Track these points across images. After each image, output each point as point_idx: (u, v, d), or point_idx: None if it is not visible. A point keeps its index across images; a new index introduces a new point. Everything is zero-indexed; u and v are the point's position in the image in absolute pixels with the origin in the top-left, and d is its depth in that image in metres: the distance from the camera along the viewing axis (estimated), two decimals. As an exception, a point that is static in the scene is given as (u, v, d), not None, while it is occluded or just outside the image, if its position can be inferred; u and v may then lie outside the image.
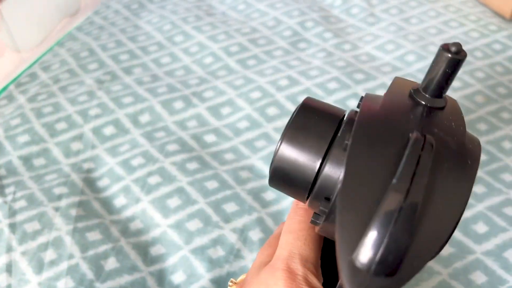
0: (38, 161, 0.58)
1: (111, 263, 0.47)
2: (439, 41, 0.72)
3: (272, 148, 0.58)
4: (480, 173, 0.54)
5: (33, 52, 0.77)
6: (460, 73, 0.66)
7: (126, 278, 0.46)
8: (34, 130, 0.61)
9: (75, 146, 0.60)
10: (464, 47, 0.70)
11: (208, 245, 0.49)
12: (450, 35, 0.73)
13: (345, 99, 0.64)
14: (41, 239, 0.49)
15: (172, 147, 0.58)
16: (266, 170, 0.56)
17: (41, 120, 0.63)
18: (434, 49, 0.70)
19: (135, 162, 0.57)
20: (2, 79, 0.72)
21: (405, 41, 0.72)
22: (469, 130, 0.59)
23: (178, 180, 0.54)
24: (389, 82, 0.66)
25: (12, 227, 0.50)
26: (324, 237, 0.31)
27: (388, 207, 0.21)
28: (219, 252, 0.48)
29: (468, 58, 0.68)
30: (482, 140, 0.58)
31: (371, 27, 0.76)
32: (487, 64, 0.68)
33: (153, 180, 0.54)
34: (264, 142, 0.59)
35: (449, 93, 0.62)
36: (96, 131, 0.61)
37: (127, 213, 0.53)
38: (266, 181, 0.54)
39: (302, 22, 0.77)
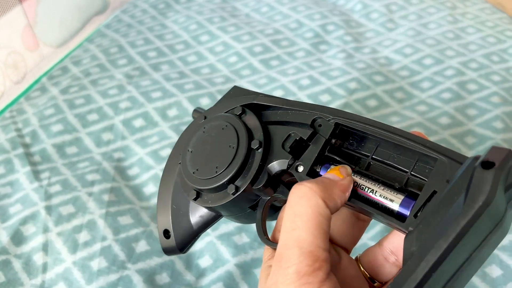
0: (71, 149, 0.61)
1: (142, 246, 0.50)
2: (456, 45, 0.74)
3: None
4: (495, 172, 0.56)
5: (63, 48, 0.81)
6: (476, 76, 0.68)
7: (156, 260, 0.49)
8: (67, 120, 0.64)
9: (106, 136, 0.63)
10: (481, 52, 0.72)
11: (233, 232, 0.51)
12: (468, 40, 0.75)
13: (364, 99, 0.66)
14: (76, 222, 0.51)
15: (198, 140, 0.61)
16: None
17: (73, 111, 0.66)
18: (452, 53, 0.72)
19: (164, 152, 0.59)
20: (35, 72, 0.75)
21: (422, 45, 0.74)
22: (485, 128, 0.61)
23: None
24: (407, 86, 0.68)
25: (48, 209, 0.52)
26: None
27: None
28: (244, 238, 0.51)
29: (485, 62, 0.70)
30: (498, 138, 0.60)
31: (390, 32, 0.78)
32: (503, 68, 0.70)
33: (181, 170, 0.57)
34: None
35: (464, 94, 0.64)
36: (126, 123, 0.64)
37: (156, 200, 0.55)
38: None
39: (324, 25, 0.80)
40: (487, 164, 0.24)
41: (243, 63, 0.73)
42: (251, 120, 0.34)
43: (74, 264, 0.48)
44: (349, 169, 0.31)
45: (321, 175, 0.31)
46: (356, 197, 0.30)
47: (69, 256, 0.49)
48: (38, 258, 0.49)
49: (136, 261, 0.48)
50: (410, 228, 0.27)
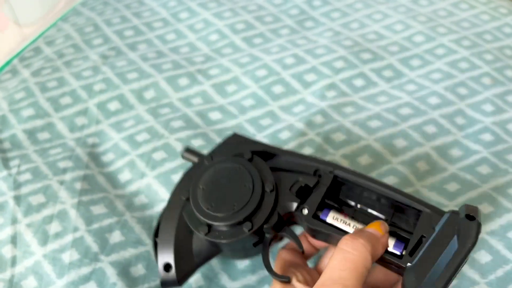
0: (43, 135, 0.58)
1: (115, 237, 0.47)
2: (449, 23, 0.71)
3: (278, 127, 0.58)
4: (485, 153, 0.54)
5: (36, 27, 0.77)
6: (468, 54, 0.66)
7: (130, 252, 0.46)
8: (38, 104, 0.61)
9: (80, 121, 0.60)
10: (474, 30, 0.69)
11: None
12: (460, 18, 0.72)
13: (351, 78, 0.63)
14: (46, 212, 0.49)
15: (177, 124, 0.58)
16: (271, 147, 0.56)
17: (45, 95, 0.62)
18: (443, 31, 0.69)
19: (140, 137, 0.57)
20: (5, 53, 0.72)
21: (414, 22, 0.71)
22: (475, 111, 0.58)
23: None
24: (396, 63, 0.65)
25: (17, 199, 0.50)
26: None
27: None
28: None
29: (477, 41, 0.68)
30: (488, 121, 0.57)
31: (380, 5, 0.75)
32: (496, 47, 0.68)
33: (158, 155, 0.54)
34: (270, 120, 0.59)
35: (456, 73, 0.62)
36: (101, 106, 0.61)
37: (132, 187, 0.53)
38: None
39: (310, 1, 0.76)
40: (470, 217, 0.34)
41: (224, 41, 0.70)
42: (261, 165, 0.39)
43: (44, 257, 0.46)
44: (387, 226, 0.35)
45: (322, 219, 0.37)
46: None
47: (39, 248, 0.46)
48: (7, 251, 0.46)
49: (109, 253, 0.46)
50: (409, 264, 0.34)
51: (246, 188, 0.38)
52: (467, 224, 0.33)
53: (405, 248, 0.35)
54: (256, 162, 0.40)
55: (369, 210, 0.39)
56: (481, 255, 0.46)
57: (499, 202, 0.49)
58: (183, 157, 0.44)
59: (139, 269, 0.45)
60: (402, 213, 0.38)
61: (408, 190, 0.51)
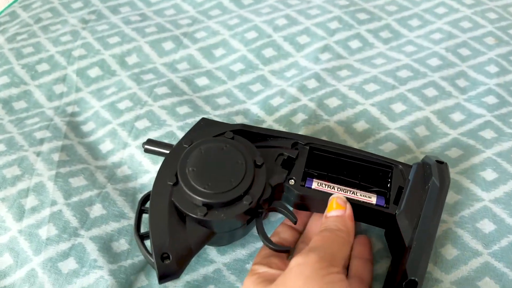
0: (19, 104, 0.54)
1: (96, 210, 0.45)
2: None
3: (269, 92, 0.55)
4: (489, 117, 0.51)
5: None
6: (470, 13, 0.62)
7: (112, 226, 0.44)
8: (13, 71, 0.57)
9: (58, 88, 0.56)
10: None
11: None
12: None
13: (347, 40, 0.59)
14: (21, 185, 0.46)
15: (161, 90, 0.54)
16: (262, 115, 0.52)
17: (21, 61, 0.58)
18: (444, -12, 0.65)
19: (122, 105, 0.53)
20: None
21: (412, -21, 0.67)
22: (478, 73, 0.55)
23: (168, 124, 0.51)
24: (394, 23, 0.62)
25: (-10, 172, 0.46)
26: None
27: None
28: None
29: (481, -3, 0.64)
30: (492, 82, 0.54)
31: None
32: (500, 5, 0.64)
33: (141, 124, 0.51)
34: (260, 86, 0.56)
35: (457, 33, 0.58)
36: (81, 73, 0.57)
37: (114, 158, 0.50)
38: (264, 126, 0.51)
39: (302, -41, 0.71)
40: (440, 162, 0.40)
41: (212, 2, 0.65)
42: (244, 142, 0.41)
43: (20, 232, 0.43)
44: (343, 197, 0.39)
45: (308, 187, 0.40)
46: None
47: (14, 224, 0.43)
48: (-20, 227, 0.43)
49: (90, 227, 0.43)
50: (396, 211, 0.39)
51: (239, 164, 0.38)
52: (440, 167, 0.39)
53: (386, 201, 0.39)
54: (239, 140, 0.41)
55: (341, 177, 0.42)
56: (484, 224, 0.43)
57: (503, 168, 0.47)
58: (145, 150, 0.43)
59: (121, 244, 0.43)
60: (369, 174, 0.42)
61: (407, 157, 0.48)
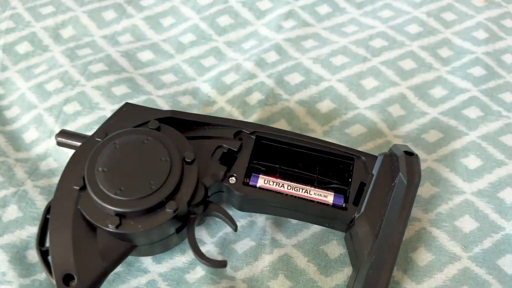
0: None
1: (11, 213, 0.38)
2: None
3: (223, 68, 0.47)
4: (475, 92, 0.44)
5: None
6: (458, -29, 0.54)
7: (29, 231, 0.37)
8: None
9: (-20, 67, 0.49)
10: None
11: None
12: None
13: (314, 5, 0.51)
14: None
15: (96, 67, 0.47)
16: (213, 94, 0.45)
17: None
18: None
19: (51, 86, 0.46)
20: None
21: None
22: (464, 39, 0.48)
23: (101, 107, 0.44)
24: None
25: None
26: None
27: None
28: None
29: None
30: (480, 51, 0.47)
31: None
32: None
33: (70, 108, 0.44)
34: (213, 60, 0.48)
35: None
36: (8, 48, 0.50)
37: (38, 149, 0.43)
38: (215, 108, 0.44)
39: None
40: (409, 153, 0.33)
41: (162, -36, 0.57)
42: (173, 133, 0.34)
43: None
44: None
45: (252, 186, 0.33)
46: (293, 199, 0.33)
47: None
48: None
49: (1, 234, 0.37)
50: (356, 214, 0.32)
51: (162, 162, 0.31)
52: (409, 159, 0.32)
53: (345, 200, 0.33)
54: (166, 131, 0.34)
55: (295, 170, 0.36)
56: (464, 222, 0.37)
57: (489, 154, 0.40)
58: (58, 143, 0.35)
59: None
60: (328, 168, 0.36)
61: (377, 141, 0.41)
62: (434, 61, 0.46)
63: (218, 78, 0.46)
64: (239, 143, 0.34)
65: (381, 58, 0.46)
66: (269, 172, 0.35)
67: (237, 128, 0.35)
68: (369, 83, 0.45)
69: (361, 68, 0.46)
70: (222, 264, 0.31)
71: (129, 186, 0.30)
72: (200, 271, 0.36)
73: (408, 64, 0.46)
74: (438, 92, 0.44)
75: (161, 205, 0.30)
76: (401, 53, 0.47)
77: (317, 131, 0.42)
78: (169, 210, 0.30)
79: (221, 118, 0.36)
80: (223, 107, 0.44)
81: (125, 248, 0.31)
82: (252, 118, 0.43)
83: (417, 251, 0.35)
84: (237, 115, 0.43)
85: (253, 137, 0.35)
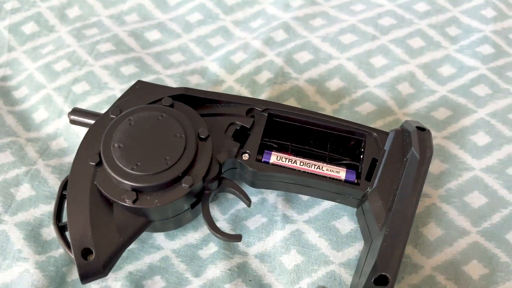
0: None
1: (24, 191, 0.38)
2: None
3: (231, 47, 0.47)
4: (484, 70, 0.44)
5: None
6: None
7: (42, 209, 0.38)
8: None
9: (-13, 48, 0.48)
10: None
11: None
12: None
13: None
14: None
15: (104, 47, 0.47)
16: (222, 74, 0.45)
17: None
18: None
19: (59, 66, 0.46)
20: None
21: None
22: (472, 18, 0.48)
23: (110, 87, 0.44)
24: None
25: None
26: None
27: None
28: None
29: None
30: (488, 29, 0.47)
31: None
32: None
33: (79, 88, 0.44)
34: (221, 39, 0.48)
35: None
36: (14, 29, 0.49)
37: (48, 129, 0.43)
38: (223, 88, 0.44)
39: None
40: (421, 129, 0.33)
41: None
42: (186, 110, 0.34)
43: None
44: None
45: (265, 162, 0.34)
46: (305, 175, 0.33)
47: None
48: None
49: (15, 212, 0.37)
50: (368, 189, 0.33)
51: (177, 138, 0.32)
52: (422, 135, 0.33)
53: (357, 176, 0.33)
54: (180, 108, 0.34)
55: (307, 147, 0.36)
56: (474, 198, 0.37)
57: (498, 131, 0.40)
58: (71, 121, 0.36)
59: (52, 231, 0.37)
60: (339, 144, 0.36)
61: (387, 119, 0.42)
62: (443, 39, 0.46)
63: (226, 57, 0.46)
64: (252, 120, 0.34)
65: (389, 37, 0.46)
66: (281, 149, 0.35)
67: (249, 106, 0.35)
68: (378, 61, 0.45)
69: (370, 46, 0.46)
70: (237, 237, 0.32)
71: (145, 162, 0.31)
72: (213, 246, 0.36)
73: (416, 43, 0.46)
74: (446, 70, 0.44)
75: (177, 180, 0.31)
76: (410, 31, 0.47)
77: (327, 110, 0.42)
78: (185, 185, 0.31)
79: (233, 95, 0.36)
80: (232, 86, 0.44)
81: (141, 223, 0.31)
82: (261, 97, 0.43)
83: (427, 226, 0.36)
84: (246, 94, 0.44)
85: (265, 114, 0.35)
